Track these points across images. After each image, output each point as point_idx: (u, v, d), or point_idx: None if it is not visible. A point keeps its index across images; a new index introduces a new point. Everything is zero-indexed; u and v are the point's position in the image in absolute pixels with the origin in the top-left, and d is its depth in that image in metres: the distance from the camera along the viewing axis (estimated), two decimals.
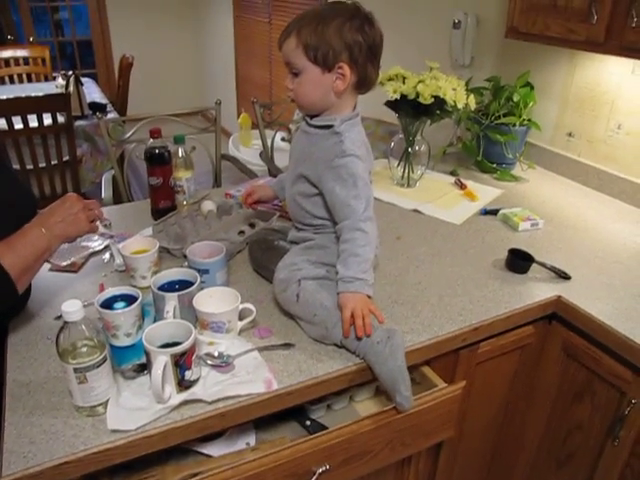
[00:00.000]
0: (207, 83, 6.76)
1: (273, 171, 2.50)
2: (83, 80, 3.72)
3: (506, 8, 1.86)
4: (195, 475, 1.02)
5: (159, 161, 1.65)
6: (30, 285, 1.29)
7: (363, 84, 1.21)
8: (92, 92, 4.14)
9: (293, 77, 1.21)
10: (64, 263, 1.48)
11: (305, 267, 1.22)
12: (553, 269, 1.46)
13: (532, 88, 2.17)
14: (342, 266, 1.14)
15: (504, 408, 1.54)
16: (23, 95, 3.14)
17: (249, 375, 1.06)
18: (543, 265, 1.47)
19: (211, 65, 6.56)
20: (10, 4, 5.74)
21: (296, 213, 1.32)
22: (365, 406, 1.25)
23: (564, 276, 1.44)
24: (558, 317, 1.41)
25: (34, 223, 1.16)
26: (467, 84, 1.94)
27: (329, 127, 1.22)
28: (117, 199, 2.56)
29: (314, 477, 1.07)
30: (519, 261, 1.48)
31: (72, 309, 0.93)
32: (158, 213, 1.69)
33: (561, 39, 1.67)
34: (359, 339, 1.10)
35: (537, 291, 1.40)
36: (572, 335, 1.38)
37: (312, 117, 1.26)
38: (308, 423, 1.18)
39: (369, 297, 1.14)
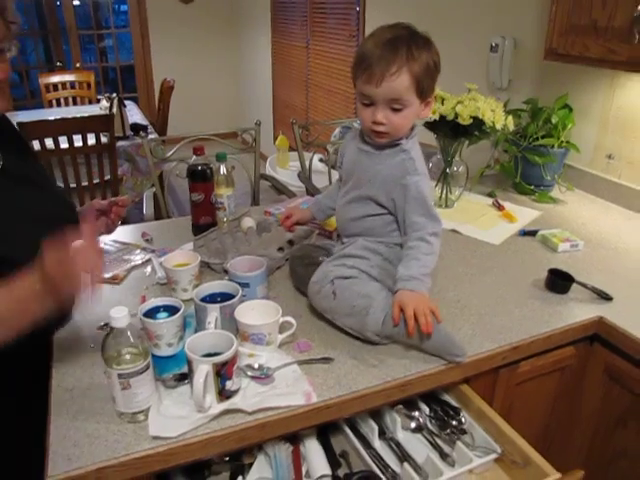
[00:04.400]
0: (244, 106, 6.88)
1: (311, 190, 2.52)
2: (125, 102, 3.83)
3: (544, 31, 1.87)
4: None
5: (201, 178, 1.69)
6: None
7: None
8: (134, 114, 4.25)
9: (392, 112, 1.20)
10: (107, 276, 1.51)
11: (338, 269, 1.25)
12: (594, 290, 1.43)
13: (571, 110, 2.15)
14: (403, 267, 1.18)
15: (544, 431, 1.51)
16: (69, 117, 3.24)
17: (289, 388, 1.07)
18: (584, 285, 1.44)
19: (248, 89, 6.69)
20: (62, 33, 5.98)
21: (352, 232, 1.34)
22: None
23: (605, 297, 1.42)
24: (600, 338, 1.38)
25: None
26: (505, 106, 1.95)
27: (396, 145, 1.25)
28: (157, 216, 2.62)
29: None
30: (559, 281, 1.46)
31: (119, 315, 0.95)
32: (199, 229, 1.72)
33: (601, 60, 1.66)
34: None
35: (578, 311, 1.38)
36: (615, 357, 1.35)
37: None
38: None
39: None
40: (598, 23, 1.64)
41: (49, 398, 1.08)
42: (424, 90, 1.19)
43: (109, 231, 1.49)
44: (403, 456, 1.11)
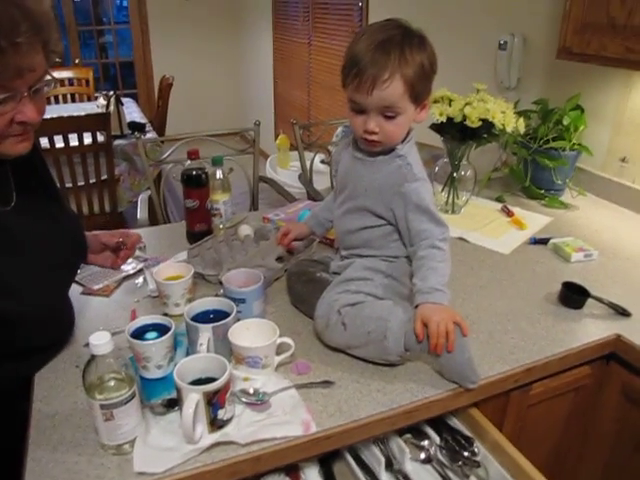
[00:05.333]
0: (245, 104, 6.80)
1: (312, 194, 2.45)
2: (124, 100, 3.76)
3: (555, 29, 1.79)
4: None
5: (196, 183, 1.61)
6: (74, 314, 1.25)
7: None
8: (132, 112, 4.18)
9: (385, 120, 1.11)
10: (97, 287, 1.44)
11: (342, 297, 1.17)
12: (611, 305, 1.35)
13: (582, 111, 2.07)
14: (419, 279, 1.10)
15: (555, 455, 1.43)
16: (65, 114, 3.16)
17: (286, 416, 0.99)
18: (600, 300, 1.36)
19: (249, 86, 6.61)
20: (61, 29, 5.90)
21: (351, 244, 1.27)
22: None
23: (623, 312, 1.34)
24: (617, 357, 1.30)
25: None
26: (515, 107, 1.87)
27: (391, 151, 1.17)
28: (153, 220, 2.54)
29: None
30: (574, 295, 1.38)
31: (100, 342, 0.88)
32: (194, 236, 1.64)
33: (619, 59, 1.58)
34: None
35: (594, 329, 1.30)
36: (633, 378, 1.28)
37: None
38: None
39: None
40: (616, 21, 1.55)
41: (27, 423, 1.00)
42: (419, 94, 1.11)
43: (113, 268, 1.42)
44: None
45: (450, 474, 1.06)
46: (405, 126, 1.15)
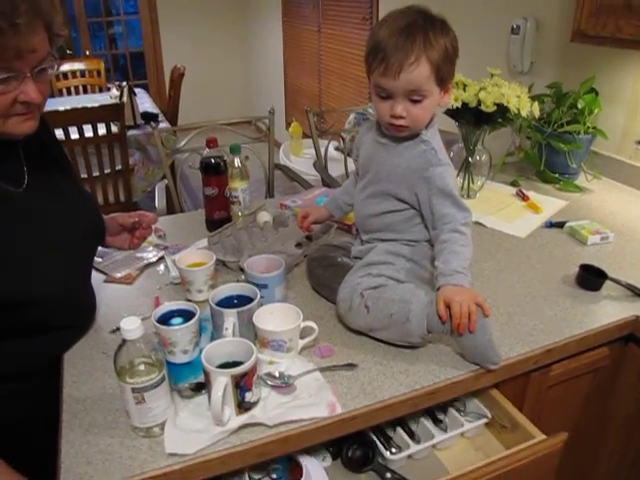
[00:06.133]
0: (256, 92, 6.79)
1: (327, 180, 2.46)
2: (135, 90, 3.77)
3: (568, 11, 1.79)
4: None
5: (215, 171, 1.62)
6: (94, 299, 1.28)
7: None
8: (144, 102, 4.20)
9: (411, 104, 1.12)
10: (119, 275, 1.46)
11: (364, 280, 1.18)
12: (629, 286, 1.36)
13: (597, 94, 2.06)
14: (442, 262, 1.11)
15: (574, 435, 1.44)
16: (79, 106, 3.19)
17: (311, 398, 1.01)
18: (617, 282, 1.37)
19: (260, 74, 6.59)
20: (71, 21, 5.92)
21: (372, 228, 1.28)
22: (448, 455, 1.15)
23: None
24: (635, 338, 1.31)
25: None
26: (529, 91, 1.86)
27: (415, 136, 1.18)
28: (169, 208, 2.57)
29: None
30: (591, 277, 1.39)
31: (131, 327, 0.89)
32: (213, 224, 1.66)
33: (635, 41, 1.57)
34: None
35: (612, 310, 1.31)
36: None
37: None
38: (389, 476, 1.08)
39: None
40: (633, 1, 1.54)
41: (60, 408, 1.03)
42: (444, 77, 1.12)
43: (131, 248, 1.43)
44: (397, 421, 1.11)
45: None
46: (431, 110, 1.16)
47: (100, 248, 1.38)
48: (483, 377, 1.11)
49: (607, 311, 1.30)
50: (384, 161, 1.23)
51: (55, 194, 1.18)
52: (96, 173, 3.10)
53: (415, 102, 1.12)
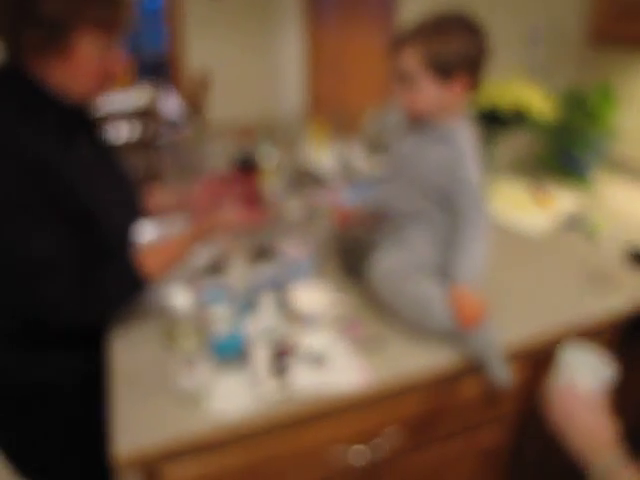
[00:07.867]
0: (277, 94, 6.88)
1: (352, 180, 2.53)
2: (163, 93, 3.87)
3: (585, 15, 1.82)
4: None
5: (248, 168, 1.71)
6: None
7: None
8: (171, 104, 4.30)
9: (405, 87, 1.17)
10: None
11: (391, 265, 1.25)
12: None
13: (612, 96, 2.12)
14: (454, 259, 1.18)
15: None
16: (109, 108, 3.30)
17: (343, 369, 1.11)
18: None
19: (280, 76, 6.68)
20: None
21: (401, 222, 1.32)
22: None
23: None
24: None
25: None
26: (544, 94, 1.93)
27: (443, 130, 1.20)
28: None
29: None
30: None
31: (179, 299, 0.99)
32: None
33: None
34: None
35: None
36: None
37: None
38: None
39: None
40: None
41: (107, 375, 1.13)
42: (446, 70, 1.12)
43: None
44: None
45: None
46: (425, 99, 1.16)
47: None
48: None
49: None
50: (412, 156, 1.25)
51: (114, 165, 1.37)
52: None
53: (407, 86, 1.15)
